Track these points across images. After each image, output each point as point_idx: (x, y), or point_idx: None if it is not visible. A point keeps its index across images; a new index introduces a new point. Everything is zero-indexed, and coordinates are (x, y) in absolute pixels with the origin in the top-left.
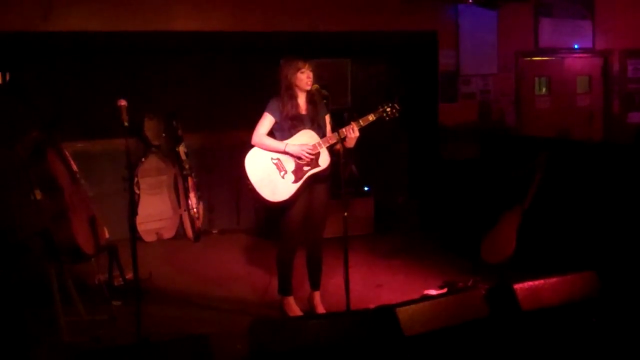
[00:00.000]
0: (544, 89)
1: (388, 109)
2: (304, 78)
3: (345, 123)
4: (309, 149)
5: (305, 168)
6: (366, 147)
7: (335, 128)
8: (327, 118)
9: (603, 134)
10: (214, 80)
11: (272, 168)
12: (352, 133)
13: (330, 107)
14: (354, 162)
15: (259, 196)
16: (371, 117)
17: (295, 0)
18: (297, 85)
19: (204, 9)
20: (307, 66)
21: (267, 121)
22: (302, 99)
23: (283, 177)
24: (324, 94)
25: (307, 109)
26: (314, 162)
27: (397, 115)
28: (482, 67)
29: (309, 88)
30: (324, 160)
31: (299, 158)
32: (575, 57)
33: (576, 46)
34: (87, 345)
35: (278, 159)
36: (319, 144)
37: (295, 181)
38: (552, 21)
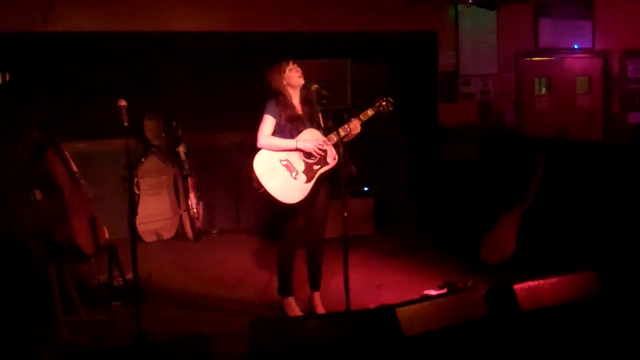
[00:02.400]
0: (543, 89)
1: (383, 103)
2: (295, 74)
3: (345, 123)
4: (320, 145)
5: (315, 167)
6: (366, 147)
7: (334, 127)
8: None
9: (603, 134)
10: (214, 80)
11: (282, 170)
12: (355, 129)
13: (330, 107)
14: (353, 162)
15: (273, 199)
16: (370, 112)
17: (295, 0)
18: (289, 85)
19: (204, 10)
20: (291, 62)
21: (269, 122)
22: (296, 100)
23: (295, 178)
24: (324, 94)
25: (303, 109)
26: (322, 160)
27: (391, 108)
28: (481, 67)
29: (302, 82)
30: (332, 157)
31: (310, 155)
32: (575, 57)
33: (576, 46)
34: (87, 345)
35: (287, 160)
36: (325, 141)
37: (308, 181)
38: (552, 21)
